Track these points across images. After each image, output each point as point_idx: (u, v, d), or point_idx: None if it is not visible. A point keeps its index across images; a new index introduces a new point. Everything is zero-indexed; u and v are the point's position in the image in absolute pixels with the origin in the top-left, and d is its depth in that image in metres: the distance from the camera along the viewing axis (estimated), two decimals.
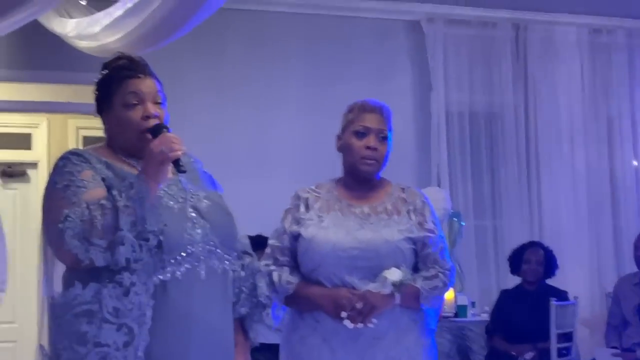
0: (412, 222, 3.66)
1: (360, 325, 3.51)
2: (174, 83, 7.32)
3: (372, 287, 3.52)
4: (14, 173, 9.19)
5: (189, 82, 7.70)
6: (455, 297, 7.35)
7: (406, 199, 3.73)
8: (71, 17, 6.23)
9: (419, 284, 3.60)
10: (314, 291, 3.60)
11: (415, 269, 3.66)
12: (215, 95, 7.85)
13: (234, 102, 7.88)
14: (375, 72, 8.21)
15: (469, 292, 7.79)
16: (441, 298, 3.71)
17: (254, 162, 7.80)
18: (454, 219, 7.76)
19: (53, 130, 9.25)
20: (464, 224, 7.92)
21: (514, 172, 8.51)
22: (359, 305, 3.49)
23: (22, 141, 9.30)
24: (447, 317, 7.17)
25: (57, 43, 6.56)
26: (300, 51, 8.16)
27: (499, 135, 8.58)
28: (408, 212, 3.69)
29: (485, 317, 7.31)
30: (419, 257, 3.67)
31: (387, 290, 3.50)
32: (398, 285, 3.51)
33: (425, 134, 8.40)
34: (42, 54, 7.38)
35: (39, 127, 9.30)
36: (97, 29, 5.71)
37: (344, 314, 3.51)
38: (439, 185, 8.16)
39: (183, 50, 7.53)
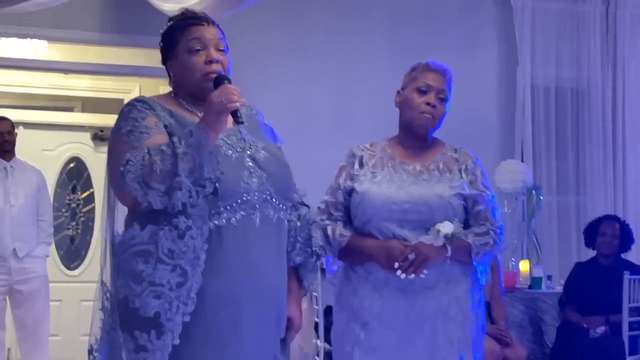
0: (463, 180, 3.74)
1: (412, 275, 3.59)
2: (259, 47, 7.47)
3: (424, 239, 3.60)
4: (105, 137, 9.38)
5: (273, 46, 7.77)
6: (531, 269, 7.37)
7: (458, 158, 3.82)
8: None
9: (470, 239, 3.67)
10: (366, 243, 3.69)
11: (466, 227, 3.71)
12: (299, 60, 7.87)
13: (317, 68, 7.89)
14: (461, 44, 8.18)
15: (549, 267, 7.78)
16: (491, 255, 3.74)
17: (336, 128, 7.79)
18: (533, 192, 7.73)
19: (144, 95, 9.39)
20: (542, 198, 7.88)
21: (598, 149, 8.44)
22: (411, 256, 3.57)
23: (115, 106, 9.48)
24: (521, 289, 7.21)
25: (150, 7, 6.60)
26: (386, 20, 8.15)
27: (585, 112, 8.51)
28: (460, 170, 3.77)
29: (559, 289, 7.27)
30: (469, 215, 3.74)
31: (439, 242, 3.58)
32: (450, 238, 3.58)
33: (510, 108, 8.38)
34: (136, 18, 7.44)
35: (131, 93, 9.46)
36: None
37: (396, 265, 3.59)
38: (522, 160, 8.14)
39: (268, 15, 7.62)
